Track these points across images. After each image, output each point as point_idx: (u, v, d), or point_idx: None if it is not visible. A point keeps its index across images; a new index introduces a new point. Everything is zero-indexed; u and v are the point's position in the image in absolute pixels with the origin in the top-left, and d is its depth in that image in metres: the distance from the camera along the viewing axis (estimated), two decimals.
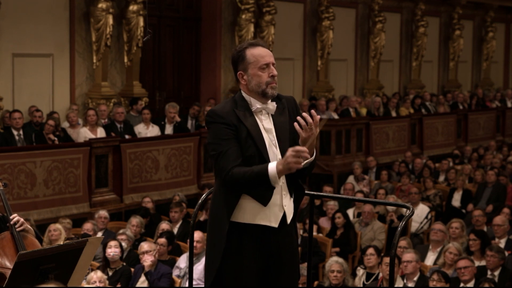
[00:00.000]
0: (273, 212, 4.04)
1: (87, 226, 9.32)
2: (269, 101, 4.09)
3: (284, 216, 4.08)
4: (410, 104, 17.59)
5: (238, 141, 3.97)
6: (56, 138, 10.77)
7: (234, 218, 4.01)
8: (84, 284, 7.37)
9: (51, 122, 10.84)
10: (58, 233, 8.75)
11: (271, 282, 4.10)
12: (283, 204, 4.06)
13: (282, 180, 4.05)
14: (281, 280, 4.11)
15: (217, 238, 4.03)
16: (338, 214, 10.38)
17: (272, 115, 4.11)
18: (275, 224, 4.05)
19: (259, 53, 4.05)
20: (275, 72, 4.07)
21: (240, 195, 3.99)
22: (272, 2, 15.08)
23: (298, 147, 3.84)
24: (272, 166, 3.89)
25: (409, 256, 7.73)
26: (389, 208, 11.11)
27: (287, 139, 4.09)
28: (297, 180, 4.16)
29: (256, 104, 4.07)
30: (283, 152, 4.03)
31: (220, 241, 4.00)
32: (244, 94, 4.09)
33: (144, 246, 8.22)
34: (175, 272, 8.36)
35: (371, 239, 10.39)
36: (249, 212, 4.01)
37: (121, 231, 9.29)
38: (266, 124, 4.08)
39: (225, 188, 4.01)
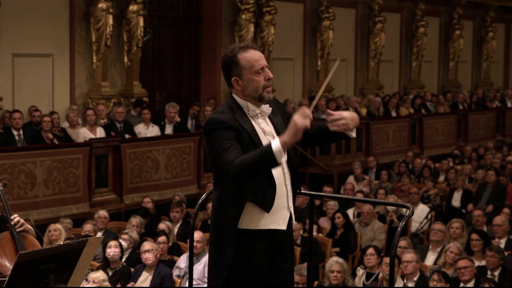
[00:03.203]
0: (282, 215, 4.01)
1: (87, 228, 9.30)
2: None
3: (290, 217, 4.06)
4: (410, 104, 17.59)
5: (240, 145, 3.89)
6: (54, 137, 10.75)
7: (243, 225, 3.93)
8: (84, 284, 7.37)
9: (47, 118, 10.81)
10: (58, 233, 8.75)
11: (273, 281, 4.08)
12: (289, 206, 4.04)
13: (288, 181, 4.01)
14: (283, 279, 4.10)
15: (224, 248, 3.94)
16: (338, 214, 10.37)
17: (269, 117, 4.06)
18: (283, 226, 4.02)
19: (252, 57, 3.96)
20: (270, 75, 4.00)
21: (245, 202, 3.91)
22: (272, 2, 15.08)
23: (304, 109, 3.72)
24: (275, 141, 3.75)
25: (409, 256, 7.72)
26: (389, 208, 11.11)
27: None
28: (297, 182, 4.12)
29: (253, 108, 4.00)
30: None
31: (228, 251, 3.92)
32: (238, 99, 4.01)
33: (146, 245, 8.24)
34: (175, 272, 8.36)
35: (371, 239, 10.39)
36: (258, 218, 3.94)
37: (125, 231, 9.28)
38: (265, 127, 4.03)
39: (229, 194, 3.91)
